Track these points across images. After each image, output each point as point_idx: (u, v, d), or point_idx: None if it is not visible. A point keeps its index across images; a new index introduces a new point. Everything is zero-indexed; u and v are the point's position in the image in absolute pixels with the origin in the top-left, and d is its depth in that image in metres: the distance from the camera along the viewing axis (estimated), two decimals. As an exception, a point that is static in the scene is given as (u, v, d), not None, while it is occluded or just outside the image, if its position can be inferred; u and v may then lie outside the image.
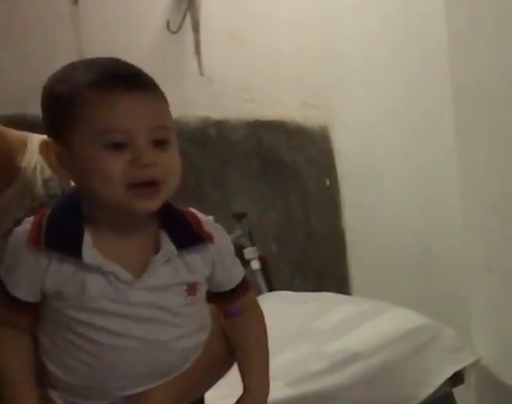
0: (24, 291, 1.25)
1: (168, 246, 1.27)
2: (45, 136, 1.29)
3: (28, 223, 1.26)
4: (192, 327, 1.33)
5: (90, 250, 1.23)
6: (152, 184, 1.21)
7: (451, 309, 2.85)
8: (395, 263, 3.04)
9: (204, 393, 1.46)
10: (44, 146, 1.26)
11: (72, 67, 1.26)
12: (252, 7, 3.25)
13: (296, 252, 3.38)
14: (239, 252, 3.34)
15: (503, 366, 2.79)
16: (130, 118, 1.20)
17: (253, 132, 3.40)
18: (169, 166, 1.23)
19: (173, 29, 3.24)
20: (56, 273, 1.24)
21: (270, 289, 3.34)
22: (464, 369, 2.68)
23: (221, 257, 1.33)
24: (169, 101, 1.26)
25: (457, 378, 2.66)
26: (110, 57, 1.29)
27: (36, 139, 1.47)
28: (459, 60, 2.71)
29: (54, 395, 1.30)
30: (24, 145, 1.48)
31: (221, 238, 1.34)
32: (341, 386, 2.42)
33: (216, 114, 3.39)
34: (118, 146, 1.20)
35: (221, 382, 2.26)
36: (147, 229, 1.28)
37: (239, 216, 3.39)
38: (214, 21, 3.31)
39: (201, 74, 3.35)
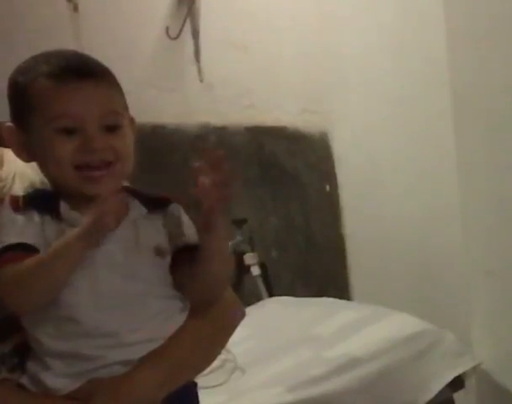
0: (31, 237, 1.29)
1: (137, 206, 1.36)
2: None
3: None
4: (159, 289, 1.36)
5: (67, 209, 1.32)
6: (101, 168, 1.30)
7: (451, 314, 2.85)
8: (395, 268, 3.04)
9: (192, 378, 1.46)
10: (6, 131, 1.35)
11: (33, 60, 1.36)
12: (252, 13, 3.26)
13: (297, 258, 3.38)
14: (239, 257, 3.34)
15: (503, 371, 2.79)
16: (81, 105, 1.29)
17: (253, 138, 3.40)
18: (120, 149, 1.32)
19: (172, 35, 3.24)
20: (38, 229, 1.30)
21: (270, 294, 3.34)
22: (464, 373, 2.68)
23: (181, 212, 1.41)
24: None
25: (458, 383, 2.67)
26: (69, 50, 1.39)
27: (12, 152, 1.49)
28: (458, 66, 2.72)
29: (43, 375, 1.31)
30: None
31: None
32: (341, 391, 2.41)
33: (216, 120, 3.39)
34: (69, 132, 1.29)
35: (219, 389, 2.26)
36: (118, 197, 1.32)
37: (239, 222, 3.39)
38: (214, 27, 3.32)
39: (201, 80, 3.35)
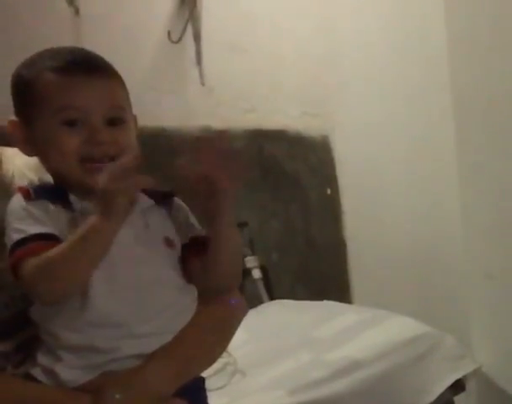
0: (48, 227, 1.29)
1: (144, 197, 1.37)
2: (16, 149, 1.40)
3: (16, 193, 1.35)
4: (170, 279, 1.38)
5: (76, 200, 1.33)
6: (105, 160, 1.30)
7: (452, 317, 2.85)
8: (395, 271, 3.04)
9: (202, 372, 1.48)
10: (10, 125, 1.37)
11: (38, 55, 1.38)
12: (253, 17, 3.27)
13: (297, 261, 3.38)
14: (240, 261, 3.33)
15: (503, 373, 2.79)
16: (87, 98, 1.31)
17: (254, 141, 3.40)
18: (124, 143, 1.34)
19: (174, 39, 3.24)
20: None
21: (271, 298, 3.34)
22: (465, 376, 2.68)
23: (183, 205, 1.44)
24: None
25: (458, 386, 2.66)
26: (74, 46, 1.43)
27: (10, 150, 1.50)
28: (458, 68, 2.72)
29: (56, 366, 1.32)
30: None
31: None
32: (342, 394, 2.41)
33: (217, 123, 3.39)
34: (74, 124, 1.30)
35: (219, 392, 2.27)
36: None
37: (240, 225, 3.38)
38: (215, 31, 3.32)
39: (202, 84, 3.36)
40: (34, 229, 1.28)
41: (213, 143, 1.29)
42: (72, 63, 1.33)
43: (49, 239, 1.27)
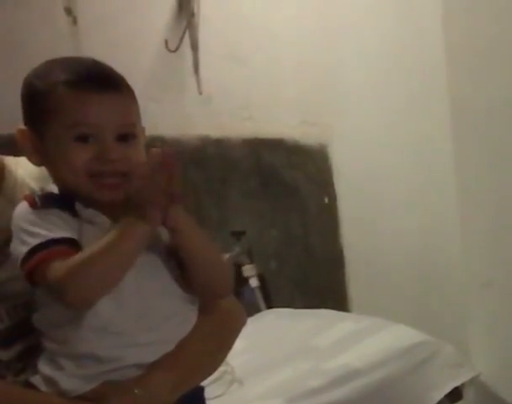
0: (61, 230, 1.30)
1: None
2: (22, 158, 1.40)
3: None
4: (174, 289, 1.38)
5: (82, 208, 1.33)
6: (115, 176, 1.30)
7: (450, 325, 2.85)
8: (394, 279, 3.04)
9: (202, 381, 1.48)
10: (19, 134, 1.36)
11: (50, 65, 1.37)
12: (251, 25, 3.27)
13: (295, 270, 3.38)
14: (238, 269, 3.34)
15: (501, 382, 2.79)
16: (99, 114, 1.30)
17: (252, 150, 3.41)
18: (134, 159, 1.32)
19: (171, 47, 3.25)
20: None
21: (269, 306, 3.34)
22: (463, 385, 2.68)
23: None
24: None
25: (456, 394, 2.66)
26: (86, 57, 1.42)
27: (12, 159, 1.50)
28: (457, 76, 2.72)
29: (57, 375, 1.32)
30: (1, 167, 1.50)
31: None
32: (340, 403, 2.42)
33: (215, 132, 3.40)
34: (86, 140, 1.30)
35: (217, 400, 2.27)
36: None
37: (238, 234, 3.39)
38: (213, 39, 3.33)
39: (200, 93, 3.37)
40: (54, 233, 1.27)
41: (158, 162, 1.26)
42: (85, 77, 1.32)
43: (68, 244, 1.28)
